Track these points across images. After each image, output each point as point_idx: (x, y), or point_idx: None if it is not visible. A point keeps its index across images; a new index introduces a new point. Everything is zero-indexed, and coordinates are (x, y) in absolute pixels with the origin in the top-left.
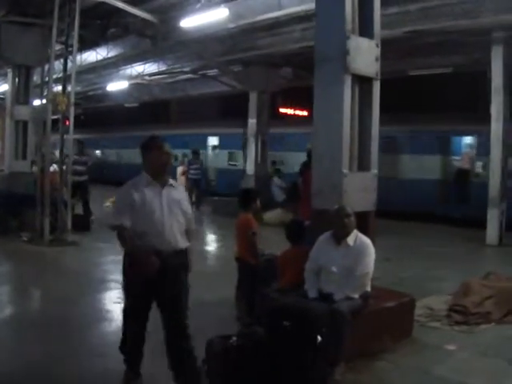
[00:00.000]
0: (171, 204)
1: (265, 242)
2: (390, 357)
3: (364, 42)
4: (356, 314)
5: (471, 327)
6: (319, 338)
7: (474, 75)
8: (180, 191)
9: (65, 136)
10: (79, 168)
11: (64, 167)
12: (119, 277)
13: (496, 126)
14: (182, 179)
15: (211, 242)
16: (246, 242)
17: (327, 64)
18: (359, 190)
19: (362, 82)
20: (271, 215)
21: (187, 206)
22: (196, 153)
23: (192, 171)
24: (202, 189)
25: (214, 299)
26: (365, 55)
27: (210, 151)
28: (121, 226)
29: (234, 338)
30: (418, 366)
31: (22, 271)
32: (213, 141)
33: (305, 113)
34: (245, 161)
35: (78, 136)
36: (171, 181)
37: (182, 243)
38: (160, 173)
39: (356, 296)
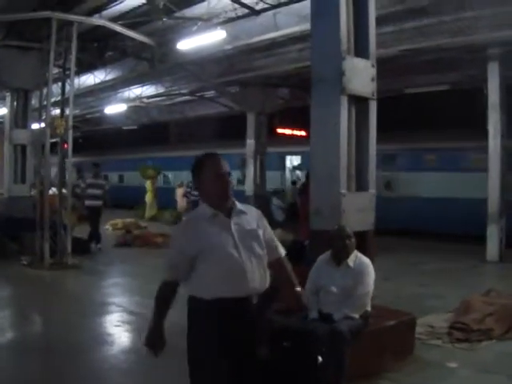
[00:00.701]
0: (245, 237)
1: None
2: (392, 376)
3: (360, 63)
4: (356, 334)
5: (472, 344)
6: (320, 358)
7: None
8: (252, 215)
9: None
10: (95, 192)
11: (64, 190)
12: (120, 300)
13: (493, 142)
14: (183, 201)
15: None
16: None
17: (323, 85)
18: (358, 210)
19: (359, 102)
20: None
21: (263, 231)
22: None
23: (195, 192)
24: None
25: None
26: (361, 76)
27: (288, 173)
28: (171, 284)
29: None
30: None
31: (22, 295)
32: (294, 161)
33: (303, 133)
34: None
35: (76, 159)
36: (239, 205)
37: (266, 283)
38: (221, 199)
39: (356, 316)
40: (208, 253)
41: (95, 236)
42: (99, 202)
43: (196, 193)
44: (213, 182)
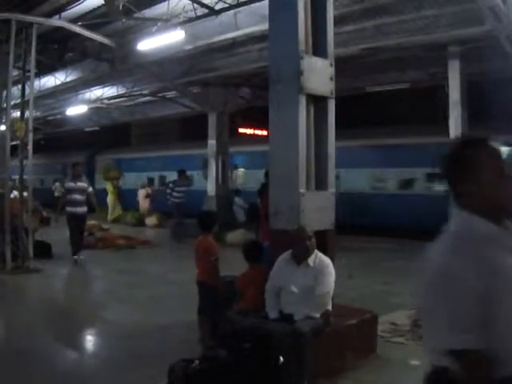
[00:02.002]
0: None
1: (227, 263)
2: (354, 374)
3: (318, 62)
4: (317, 334)
5: None
6: (281, 359)
7: None
8: None
9: (24, 161)
10: (77, 197)
11: (25, 194)
12: (81, 303)
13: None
14: (145, 203)
15: (170, 267)
16: (208, 266)
17: (281, 84)
18: (317, 210)
19: (317, 101)
20: (234, 236)
21: None
22: (183, 173)
23: (176, 193)
24: (183, 213)
25: (174, 323)
26: (319, 75)
27: None
28: (478, 354)
29: (197, 362)
30: (382, 382)
31: None
32: None
33: (264, 132)
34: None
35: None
36: None
37: None
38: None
39: (317, 315)
40: (506, 296)
41: (73, 245)
42: (81, 209)
43: (178, 194)
44: (498, 184)
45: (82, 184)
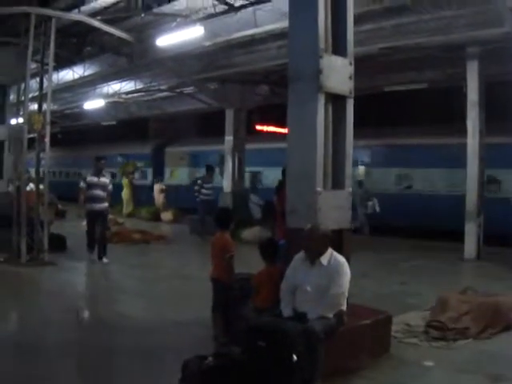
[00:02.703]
0: None
1: (243, 260)
2: (368, 374)
3: (337, 61)
4: (330, 334)
5: (449, 343)
6: (295, 357)
7: None
8: None
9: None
10: (98, 193)
11: (41, 186)
12: (94, 297)
13: (472, 141)
14: (160, 198)
15: (186, 262)
16: (223, 263)
17: (301, 83)
18: (334, 208)
19: (336, 100)
20: (249, 233)
21: None
22: (211, 169)
23: (205, 191)
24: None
25: (189, 319)
26: (338, 74)
27: None
28: None
29: (210, 358)
30: (395, 382)
31: None
32: None
33: (281, 130)
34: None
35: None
36: None
37: None
38: None
39: (330, 315)
40: None
41: (88, 241)
42: (101, 205)
43: (207, 191)
44: None
45: (105, 180)
